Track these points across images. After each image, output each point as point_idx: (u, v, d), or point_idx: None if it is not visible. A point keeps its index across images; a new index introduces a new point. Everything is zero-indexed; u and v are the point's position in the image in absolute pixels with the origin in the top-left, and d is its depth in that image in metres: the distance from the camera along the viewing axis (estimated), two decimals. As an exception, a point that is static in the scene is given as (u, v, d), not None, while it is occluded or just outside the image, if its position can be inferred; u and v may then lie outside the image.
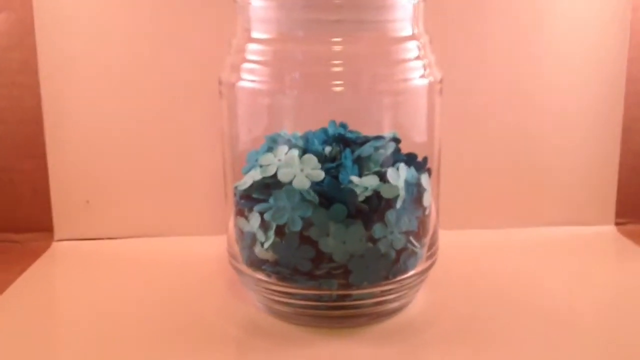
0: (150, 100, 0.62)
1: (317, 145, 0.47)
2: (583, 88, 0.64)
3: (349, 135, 0.48)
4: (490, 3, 0.62)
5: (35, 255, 0.61)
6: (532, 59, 0.63)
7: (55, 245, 0.63)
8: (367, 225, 0.45)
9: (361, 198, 0.45)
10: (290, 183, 0.45)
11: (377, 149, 0.47)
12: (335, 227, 0.44)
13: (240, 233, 0.48)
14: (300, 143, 0.47)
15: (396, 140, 0.48)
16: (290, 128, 0.49)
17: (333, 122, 0.49)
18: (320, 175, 0.45)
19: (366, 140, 0.48)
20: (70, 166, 0.63)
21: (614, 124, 0.65)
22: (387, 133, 0.48)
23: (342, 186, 0.45)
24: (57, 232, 0.64)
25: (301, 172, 0.45)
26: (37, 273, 0.58)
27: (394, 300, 0.48)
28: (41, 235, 0.64)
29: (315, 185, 0.45)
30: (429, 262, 0.50)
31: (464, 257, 0.59)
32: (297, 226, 0.44)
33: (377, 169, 0.46)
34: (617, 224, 0.66)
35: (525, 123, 0.64)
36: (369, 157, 0.47)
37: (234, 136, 0.50)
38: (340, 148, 0.47)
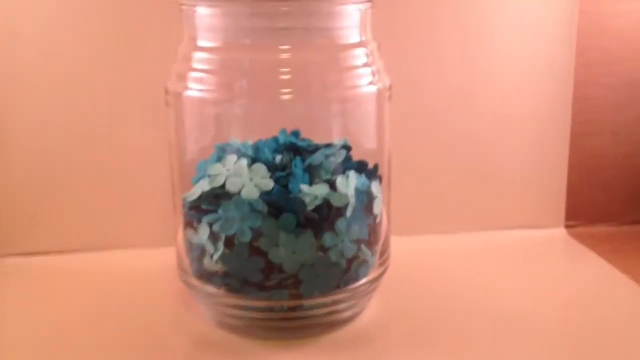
0: (96, 110, 0.61)
1: (267, 154, 0.47)
2: (531, 93, 0.64)
3: (300, 143, 0.48)
4: (438, 9, 0.62)
5: None
6: (480, 64, 0.63)
7: (0, 260, 0.62)
8: (318, 234, 0.45)
9: (311, 207, 0.44)
10: (239, 193, 0.44)
11: (327, 156, 0.47)
12: (285, 237, 0.44)
13: (189, 245, 0.48)
14: (250, 152, 0.47)
15: (347, 147, 0.48)
16: (240, 137, 0.48)
17: (284, 131, 0.49)
18: (270, 184, 0.44)
19: (317, 148, 0.47)
20: (14, 180, 0.62)
21: (562, 127, 0.65)
22: (338, 141, 0.48)
23: (290, 195, 0.44)
24: (1, 247, 0.62)
25: (250, 181, 0.44)
26: None
27: (346, 309, 0.48)
28: None
29: (265, 195, 0.44)
30: (381, 270, 0.50)
31: (416, 263, 0.59)
32: (247, 237, 0.44)
33: (327, 177, 0.46)
34: (567, 226, 0.67)
35: (474, 128, 0.64)
36: (319, 165, 0.46)
37: (181, 146, 0.50)
38: (291, 156, 0.47)
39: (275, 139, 0.48)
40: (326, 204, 0.45)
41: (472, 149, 0.65)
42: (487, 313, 0.51)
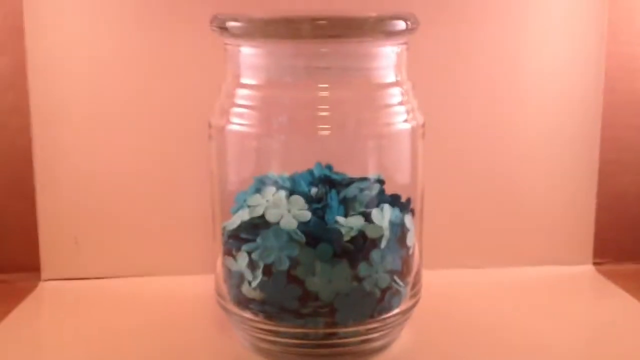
0: (140, 141, 0.63)
1: (303, 186, 0.48)
2: (560, 132, 0.65)
3: (334, 176, 0.49)
4: (469, 50, 0.63)
5: (22, 295, 0.61)
6: (510, 105, 0.64)
7: (42, 284, 0.63)
8: (353, 264, 0.46)
9: (347, 238, 0.46)
10: (277, 223, 0.46)
11: (362, 190, 0.48)
12: (321, 266, 0.45)
13: (228, 272, 0.49)
14: (288, 184, 0.48)
15: (380, 181, 0.49)
16: (278, 170, 0.50)
17: (319, 164, 0.50)
18: (307, 215, 0.46)
19: (351, 181, 0.49)
20: (59, 205, 0.63)
21: (590, 166, 0.66)
22: (372, 175, 0.49)
23: (327, 226, 0.46)
24: (45, 272, 0.64)
25: (288, 212, 0.46)
26: (24, 313, 0.58)
27: (378, 338, 0.49)
28: (28, 275, 0.64)
29: (302, 226, 0.46)
30: (413, 301, 0.51)
31: (446, 296, 0.59)
32: (285, 265, 0.45)
33: (362, 209, 0.47)
34: (595, 263, 0.67)
35: (504, 166, 0.65)
36: (354, 198, 0.48)
37: (222, 177, 0.51)
38: (326, 189, 0.48)
39: (311, 172, 0.50)
40: (361, 236, 0.46)
41: (503, 187, 0.66)
42: (514, 347, 0.51)
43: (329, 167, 0.51)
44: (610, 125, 0.66)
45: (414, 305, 0.51)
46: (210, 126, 0.51)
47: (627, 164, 0.67)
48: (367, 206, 0.48)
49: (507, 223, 0.66)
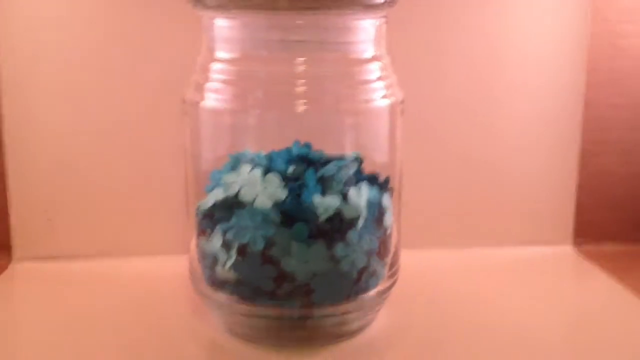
0: (113, 118, 0.61)
1: (280, 164, 0.47)
2: (542, 111, 0.65)
3: (312, 155, 0.48)
4: (451, 28, 0.62)
5: None
6: (491, 83, 0.63)
7: (14, 264, 0.62)
8: (329, 244, 0.45)
9: (323, 217, 0.45)
10: (252, 202, 0.45)
11: (340, 168, 0.47)
12: (297, 246, 0.44)
13: (202, 253, 0.48)
14: (264, 162, 0.47)
15: (359, 160, 0.48)
16: (254, 147, 0.49)
17: (297, 142, 0.49)
18: (283, 194, 0.45)
19: (330, 160, 0.48)
20: (31, 184, 0.62)
21: (572, 146, 0.66)
22: (351, 153, 0.48)
23: (303, 206, 0.44)
24: (16, 251, 0.63)
25: (264, 191, 0.45)
26: None
27: (355, 319, 0.48)
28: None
29: (278, 205, 0.45)
30: (390, 282, 0.50)
31: (425, 276, 0.59)
32: (260, 245, 0.44)
33: (339, 188, 0.46)
34: (575, 244, 0.67)
35: (484, 144, 0.64)
36: (331, 177, 0.47)
37: (196, 155, 0.50)
38: (304, 168, 0.47)
39: (289, 150, 0.49)
40: (338, 215, 0.45)
41: (483, 166, 0.65)
42: (494, 328, 0.51)
43: (308, 146, 0.49)
44: (593, 104, 0.65)
45: (391, 286, 0.50)
46: (184, 102, 0.50)
47: (609, 143, 0.66)
48: (345, 185, 0.47)
49: (487, 203, 0.66)
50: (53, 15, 0.60)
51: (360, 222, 0.46)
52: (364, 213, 0.46)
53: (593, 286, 0.60)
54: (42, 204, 0.62)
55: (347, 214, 0.45)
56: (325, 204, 0.45)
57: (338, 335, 0.48)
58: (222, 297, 0.47)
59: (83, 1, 0.60)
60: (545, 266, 0.63)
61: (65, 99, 0.61)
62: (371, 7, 0.47)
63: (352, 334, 0.49)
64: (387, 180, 0.49)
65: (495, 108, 0.64)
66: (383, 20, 0.48)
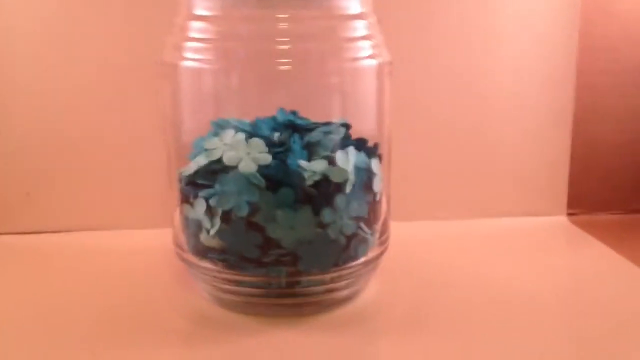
0: (89, 88, 0.60)
1: (265, 130, 0.46)
2: (533, 79, 0.64)
3: (298, 121, 0.47)
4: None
5: None
6: (482, 49, 0.63)
7: (-6, 239, 0.62)
8: (316, 210, 0.44)
9: (310, 182, 0.44)
10: (236, 167, 0.44)
11: (326, 134, 0.46)
12: (282, 212, 0.43)
13: (186, 221, 0.47)
14: (248, 128, 0.46)
15: (346, 125, 0.47)
16: (237, 111, 0.48)
17: (282, 110, 0.48)
18: (267, 158, 0.44)
19: (316, 126, 0.47)
20: (10, 159, 0.61)
21: (564, 114, 0.65)
22: (337, 119, 0.47)
23: (289, 169, 0.44)
24: (-4, 226, 0.62)
25: (247, 155, 0.44)
26: None
27: (344, 287, 0.48)
28: None
29: (262, 169, 0.44)
30: (380, 250, 0.49)
31: (415, 248, 0.58)
32: (244, 211, 0.43)
33: (326, 154, 0.45)
34: (569, 214, 0.67)
35: (475, 113, 0.64)
36: (318, 143, 0.46)
37: (178, 120, 0.49)
38: (290, 134, 0.46)
39: (274, 118, 0.48)
40: (325, 180, 0.44)
41: (474, 135, 0.64)
42: (486, 298, 0.50)
43: (294, 113, 0.48)
44: (585, 72, 0.64)
45: (381, 254, 0.49)
46: (162, 64, 0.48)
47: (602, 111, 0.66)
48: (331, 151, 0.46)
49: (478, 173, 0.66)
50: None
51: (348, 187, 0.45)
52: (351, 177, 0.45)
53: (587, 255, 0.59)
54: (20, 180, 0.62)
55: (334, 178, 0.44)
56: (311, 168, 0.44)
57: (326, 304, 0.47)
58: (207, 265, 0.46)
59: None
60: (539, 237, 0.63)
61: (39, 72, 0.60)
62: None
63: (340, 302, 0.48)
64: (375, 146, 0.48)
65: (486, 75, 0.63)
66: None
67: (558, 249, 0.62)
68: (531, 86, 0.64)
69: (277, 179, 0.43)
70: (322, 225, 0.44)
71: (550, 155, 0.66)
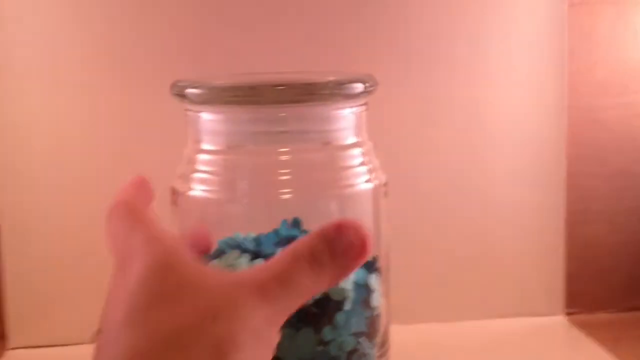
0: (103, 208, 0.64)
1: (268, 247, 0.49)
2: (525, 183, 0.68)
3: (301, 236, 0.50)
4: (431, 105, 0.66)
5: None
6: (474, 157, 0.67)
7: (8, 353, 0.64)
8: (317, 328, 0.47)
9: (311, 301, 0.46)
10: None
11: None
12: (286, 331, 0.45)
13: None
14: (252, 246, 0.49)
15: (345, 242, 0.51)
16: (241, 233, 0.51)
17: (285, 222, 0.51)
18: (270, 281, 0.46)
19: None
20: (26, 273, 0.65)
21: (556, 216, 0.69)
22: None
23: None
24: (11, 340, 0.65)
25: (251, 278, 0.47)
26: None
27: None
28: None
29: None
30: (382, 361, 0.52)
31: (416, 352, 0.60)
32: (249, 333, 0.46)
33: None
34: (567, 314, 0.69)
35: (470, 218, 0.67)
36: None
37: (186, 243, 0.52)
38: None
39: (276, 232, 0.51)
40: (325, 298, 0.47)
41: (470, 239, 0.68)
42: None
43: (297, 222, 0.52)
44: (575, 174, 0.68)
45: None
46: (173, 192, 0.52)
47: (594, 212, 0.70)
48: None
49: (476, 275, 0.68)
50: (44, 110, 0.63)
51: (347, 305, 0.48)
52: (350, 295, 0.48)
53: (585, 356, 0.62)
54: (36, 294, 0.65)
55: (334, 296, 0.47)
56: None
57: None
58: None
59: (74, 92, 0.63)
60: (538, 337, 0.66)
61: (59, 191, 0.64)
62: (350, 97, 0.50)
63: None
64: (374, 260, 0.51)
65: (479, 183, 0.67)
66: (363, 107, 0.51)
67: (556, 351, 0.64)
68: (524, 192, 0.68)
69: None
70: (323, 343, 0.47)
71: (546, 256, 0.69)
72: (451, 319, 0.68)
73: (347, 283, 0.48)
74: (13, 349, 0.65)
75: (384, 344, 0.52)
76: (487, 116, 0.67)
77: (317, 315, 0.47)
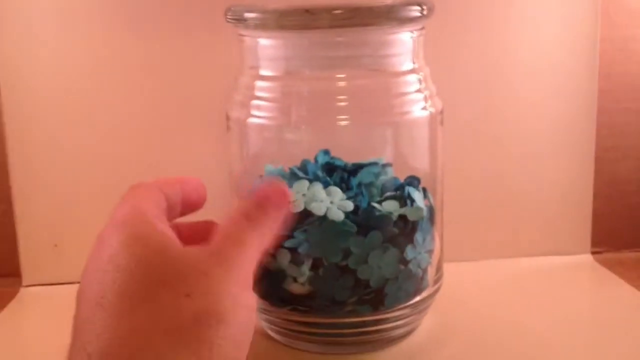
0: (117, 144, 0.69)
1: (321, 176, 0.55)
2: (556, 119, 0.72)
3: (337, 162, 0.56)
4: (472, 38, 0.71)
5: (3, 301, 0.66)
6: (506, 95, 0.72)
7: (23, 290, 0.68)
8: (401, 248, 0.53)
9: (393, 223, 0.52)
10: (324, 216, 0.51)
11: (377, 175, 0.55)
12: (373, 253, 0.51)
13: (263, 272, 0.51)
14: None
15: (388, 165, 0.56)
16: (298, 161, 0.57)
17: (322, 152, 0.57)
18: (350, 205, 0.52)
19: (358, 166, 0.56)
20: (37, 211, 0.69)
21: (586, 154, 0.73)
22: (377, 159, 0.56)
23: (377, 213, 0.52)
24: (25, 278, 0.69)
25: (331, 204, 0.52)
26: (6, 319, 0.63)
27: (406, 324, 0.56)
28: (8, 281, 0.69)
29: (350, 215, 0.52)
30: (436, 286, 0.58)
31: (446, 289, 0.63)
32: (337, 257, 0.51)
33: (391, 193, 0.54)
34: (593, 252, 0.74)
35: (500, 156, 0.72)
36: (371, 184, 0.55)
37: (241, 170, 0.58)
38: (343, 177, 0.55)
39: (309, 162, 0.57)
40: (402, 220, 0.53)
41: (498, 178, 0.73)
42: (515, 339, 0.58)
43: (326, 152, 0.57)
44: (606, 110, 0.73)
45: (437, 290, 0.58)
46: (228, 118, 0.57)
47: (624, 149, 0.74)
48: (383, 191, 0.55)
49: (503, 214, 0.73)
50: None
51: (424, 224, 0.54)
52: (425, 214, 0.54)
53: (612, 294, 0.67)
54: (49, 231, 0.69)
55: (412, 216, 0.53)
56: (387, 209, 0.53)
57: (387, 340, 0.56)
58: (285, 311, 0.55)
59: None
60: (564, 276, 0.70)
61: (69, 127, 0.69)
62: (406, 21, 0.54)
63: (399, 339, 0.57)
64: (419, 181, 0.57)
65: (509, 121, 0.72)
66: (420, 32, 0.56)
67: (583, 289, 0.70)
68: (554, 128, 0.73)
69: (364, 223, 0.52)
70: (405, 262, 0.53)
71: (574, 195, 0.74)
72: (477, 257, 0.73)
73: (422, 203, 0.54)
74: (27, 286, 0.69)
75: (439, 268, 0.58)
76: (517, 51, 0.71)
77: (397, 236, 0.53)
